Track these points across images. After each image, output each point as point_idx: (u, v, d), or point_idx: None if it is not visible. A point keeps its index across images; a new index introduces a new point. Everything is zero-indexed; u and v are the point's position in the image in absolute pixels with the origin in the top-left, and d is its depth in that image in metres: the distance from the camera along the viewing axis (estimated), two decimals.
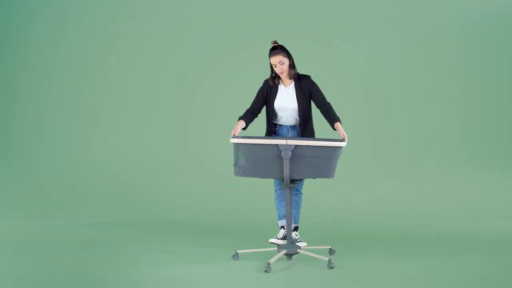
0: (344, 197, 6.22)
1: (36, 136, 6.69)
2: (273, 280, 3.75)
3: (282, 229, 4.38)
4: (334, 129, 4.38)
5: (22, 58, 6.78)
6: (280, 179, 4.30)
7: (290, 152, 3.95)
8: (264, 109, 4.52)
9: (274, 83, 4.45)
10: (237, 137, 4.09)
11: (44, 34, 6.76)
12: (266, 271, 3.89)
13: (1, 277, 3.80)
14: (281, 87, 4.44)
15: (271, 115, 4.42)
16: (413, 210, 5.97)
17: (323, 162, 4.01)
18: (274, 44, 4.52)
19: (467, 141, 6.47)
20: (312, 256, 4.20)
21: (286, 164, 3.97)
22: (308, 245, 4.52)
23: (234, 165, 4.14)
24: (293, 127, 4.43)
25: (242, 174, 4.07)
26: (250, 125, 4.36)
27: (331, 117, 4.40)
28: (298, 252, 4.15)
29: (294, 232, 4.42)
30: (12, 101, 6.78)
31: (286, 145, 3.96)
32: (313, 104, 4.51)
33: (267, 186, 6.28)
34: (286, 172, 3.97)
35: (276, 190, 4.48)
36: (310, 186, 6.37)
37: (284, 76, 4.42)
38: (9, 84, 6.79)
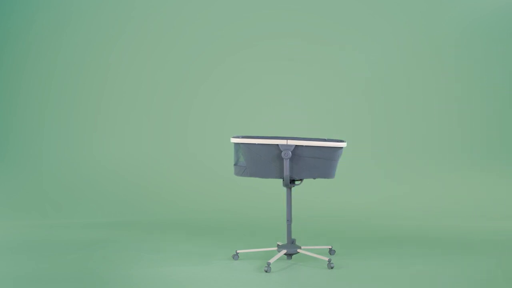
0: (344, 197, 6.22)
1: (36, 136, 6.69)
2: (273, 280, 3.75)
3: None
4: None
5: (22, 58, 6.78)
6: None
7: (290, 152, 3.96)
8: None
9: None
10: (238, 137, 4.09)
11: (44, 34, 6.76)
12: (266, 271, 3.90)
13: (1, 277, 3.80)
14: None
15: None
16: (413, 211, 5.97)
17: (323, 162, 4.01)
18: None
19: (467, 141, 6.48)
20: (312, 256, 4.20)
21: (286, 164, 3.97)
22: (308, 245, 4.52)
23: (235, 164, 4.14)
24: None
25: (242, 174, 4.08)
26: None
27: None
28: (298, 252, 4.15)
29: None
30: (12, 101, 6.78)
31: (286, 145, 3.97)
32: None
33: (267, 186, 6.30)
34: (286, 172, 3.97)
35: None
36: (310, 186, 6.38)
37: None
38: (9, 84, 6.80)
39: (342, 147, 4.03)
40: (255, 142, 4.01)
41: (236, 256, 4.24)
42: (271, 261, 3.94)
